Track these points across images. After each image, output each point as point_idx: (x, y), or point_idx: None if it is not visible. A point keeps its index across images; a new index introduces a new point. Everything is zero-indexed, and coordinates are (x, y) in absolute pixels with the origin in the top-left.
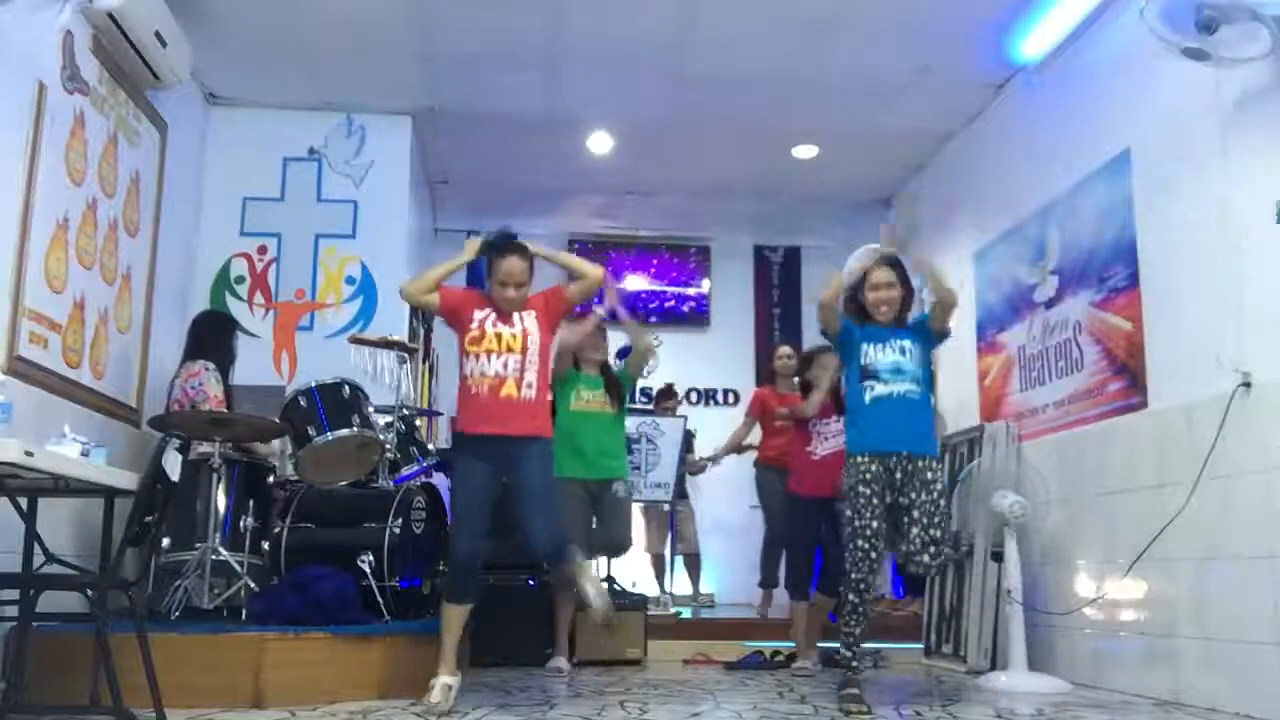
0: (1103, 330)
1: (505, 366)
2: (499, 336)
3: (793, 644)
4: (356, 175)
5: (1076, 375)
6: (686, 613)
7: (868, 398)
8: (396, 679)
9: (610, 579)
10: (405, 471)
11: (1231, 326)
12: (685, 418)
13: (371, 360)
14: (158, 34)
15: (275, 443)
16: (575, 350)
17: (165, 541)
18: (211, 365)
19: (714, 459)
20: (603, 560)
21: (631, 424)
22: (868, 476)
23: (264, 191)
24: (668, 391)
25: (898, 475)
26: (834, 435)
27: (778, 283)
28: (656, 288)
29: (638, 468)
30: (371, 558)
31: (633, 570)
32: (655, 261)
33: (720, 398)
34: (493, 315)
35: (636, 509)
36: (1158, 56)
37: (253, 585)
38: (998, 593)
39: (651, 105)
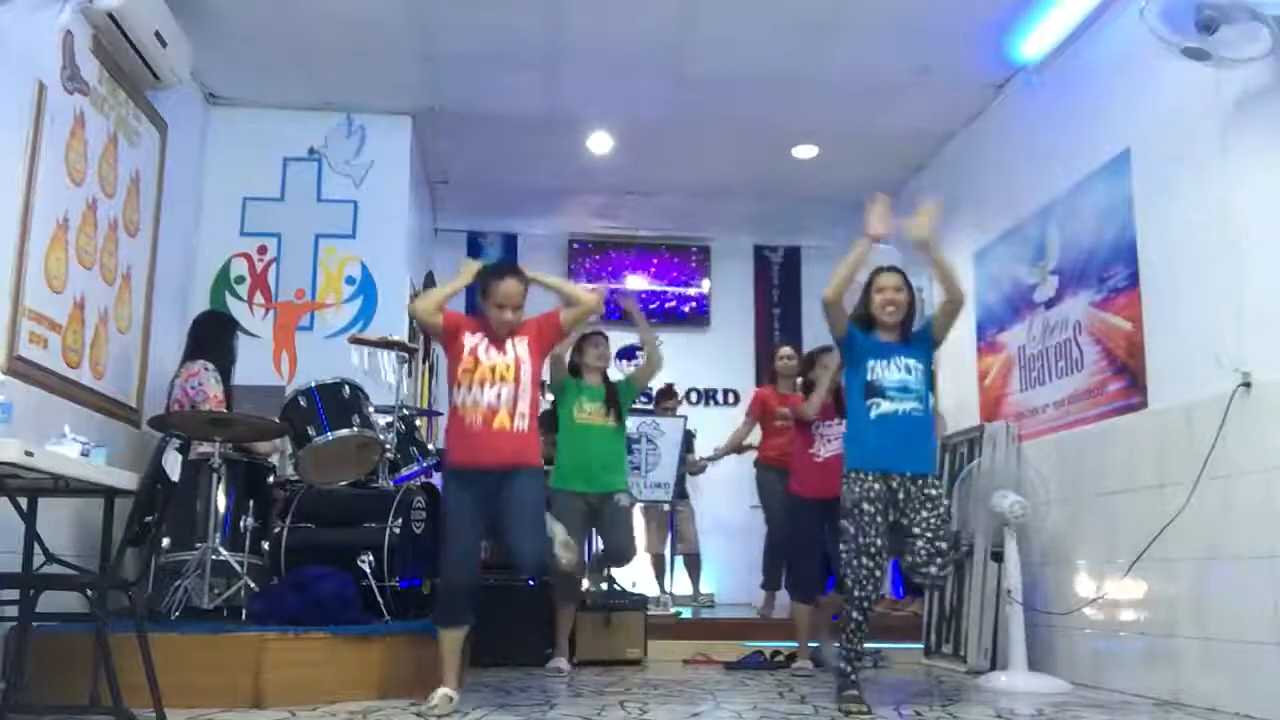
0: (1103, 330)
1: (498, 397)
2: (493, 368)
3: (793, 644)
4: (356, 175)
5: (1076, 375)
6: (686, 613)
7: (873, 414)
8: (396, 679)
9: (610, 579)
10: (405, 471)
11: (1231, 326)
12: (685, 418)
13: (371, 360)
14: (158, 34)
15: (275, 442)
16: (577, 358)
17: (165, 541)
18: (211, 365)
19: (714, 458)
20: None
21: (632, 424)
22: (871, 495)
23: (264, 191)
24: (668, 391)
25: (900, 495)
26: (836, 437)
27: (778, 283)
28: (656, 288)
29: (638, 468)
30: (371, 558)
31: (633, 570)
32: (655, 261)
33: (720, 398)
34: (485, 341)
35: (636, 509)
36: (1158, 56)
37: (253, 585)
38: (998, 593)
39: (651, 105)
